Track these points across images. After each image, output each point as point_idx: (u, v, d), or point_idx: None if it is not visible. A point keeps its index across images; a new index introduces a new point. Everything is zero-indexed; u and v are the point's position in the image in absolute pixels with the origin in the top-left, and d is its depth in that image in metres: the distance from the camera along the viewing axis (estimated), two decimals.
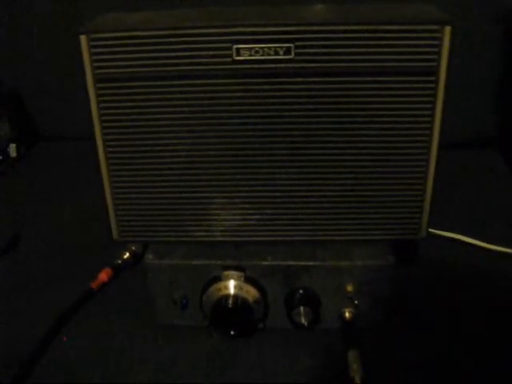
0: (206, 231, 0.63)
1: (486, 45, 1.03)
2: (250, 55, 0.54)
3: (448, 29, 0.53)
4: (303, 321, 0.61)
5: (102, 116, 0.58)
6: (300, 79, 0.55)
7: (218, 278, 0.61)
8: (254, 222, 0.62)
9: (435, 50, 0.53)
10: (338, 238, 0.62)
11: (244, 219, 0.62)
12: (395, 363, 0.61)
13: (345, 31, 0.53)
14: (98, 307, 0.70)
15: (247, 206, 0.61)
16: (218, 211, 0.62)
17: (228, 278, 0.61)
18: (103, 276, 0.73)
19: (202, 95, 0.56)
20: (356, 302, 0.62)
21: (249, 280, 0.61)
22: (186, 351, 0.63)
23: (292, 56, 0.54)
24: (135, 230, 0.64)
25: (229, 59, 0.54)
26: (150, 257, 0.63)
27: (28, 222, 0.89)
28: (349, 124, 0.57)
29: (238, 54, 0.54)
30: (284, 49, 0.54)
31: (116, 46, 0.54)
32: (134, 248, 0.76)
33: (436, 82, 0.54)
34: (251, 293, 0.61)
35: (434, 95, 0.55)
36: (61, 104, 1.13)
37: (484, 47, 1.03)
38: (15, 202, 0.96)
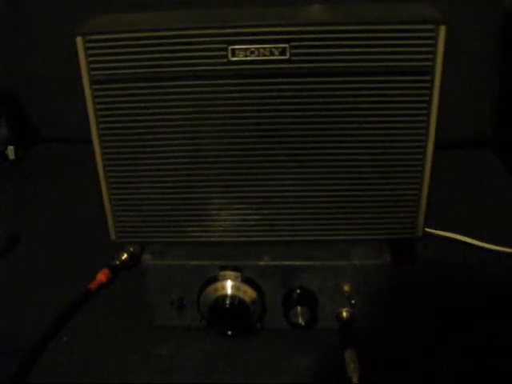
0: (204, 231, 0.63)
1: (484, 45, 1.03)
2: (246, 56, 0.54)
3: (443, 28, 0.53)
4: (300, 321, 0.61)
5: (99, 117, 0.58)
6: (295, 79, 0.55)
7: (216, 279, 0.61)
8: (251, 223, 0.62)
9: (430, 49, 0.54)
10: (334, 237, 0.62)
11: (241, 219, 0.62)
12: (393, 363, 0.61)
13: (340, 31, 0.53)
14: (96, 308, 0.70)
15: (244, 206, 0.61)
16: (215, 212, 0.62)
17: (225, 279, 0.61)
18: (101, 277, 0.73)
19: (198, 96, 0.56)
20: (353, 301, 0.62)
21: (246, 280, 0.61)
22: (184, 351, 0.63)
23: (287, 56, 0.54)
24: (133, 231, 0.64)
25: (224, 60, 0.54)
26: (147, 257, 0.63)
27: (27, 223, 0.89)
28: (345, 124, 0.57)
29: (234, 55, 0.54)
30: (279, 49, 0.54)
31: (112, 47, 0.54)
32: (131, 249, 0.76)
33: (431, 81, 0.55)
34: (248, 293, 0.61)
35: (429, 95, 0.55)
36: (59, 106, 1.13)
37: (482, 47, 1.03)
38: (14, 203, 0.96)
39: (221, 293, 0.61)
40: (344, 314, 0.62)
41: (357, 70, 0.54)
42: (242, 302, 0.61)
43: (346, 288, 0.61)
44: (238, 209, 0.61)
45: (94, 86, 0.56)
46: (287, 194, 0.60)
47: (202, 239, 0.63)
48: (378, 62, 0.54)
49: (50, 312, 0.68)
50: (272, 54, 0.54)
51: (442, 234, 0.78)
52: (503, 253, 0.76)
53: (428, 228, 0.71)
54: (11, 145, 1.11)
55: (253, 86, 0.55)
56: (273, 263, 0.61)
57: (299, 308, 0.61)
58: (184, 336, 0.65)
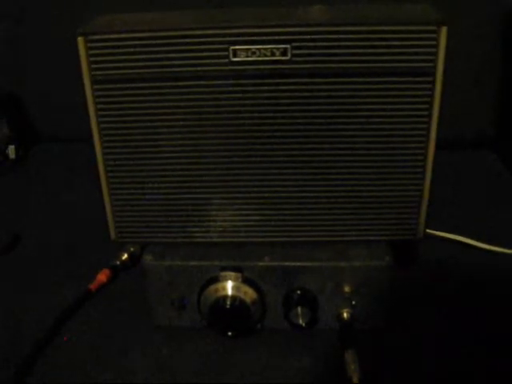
0: (204, 232, 0.63)
1: (484, 45, 1.03)
2: (247, 56, 0.54)
3: (444, 29, 0.53)
4: (301, 321, 0.61)
5: (100, 117, 0.58)
6: (297, 80, 0.55)
7: (216, 279, 0.61)
8: (251, 223, 0.62)
9: (432, 50, 0.53)
10: (335, 238, 0.62)
11: (242, 220, 0.62)
12: (393, 363, 0.61)
13: (341, 32, 0.53)
14: (96, 308, 0.70)
15: (245, 206, 0.61)
16: (215, 212, 0.62)
17: (226, 279, 0.61)
18: (102, 277, 0.73)
19: (199, 96, 0.56)
20: (353, 302, 0.62)
21: (246, 281, 0.61)
22: (184, 352, 0.63)
23: (289, 57, 0.54)
24: (133, 231, 0.64)
25: (225, 60, 0.54)
26: (148, 258, 0.63)
27: (27, 223, 0.89)
28: (346, 125, 0.57)
29: (235, 55, 0.54)
30: (281, 50, 0.54)
31: (113, 47, 0.54)
32: (132, 249, 0.76)
33: (432, 82, 0.55)
34: (249, 293, 0.61)
35: (431, 95, 0.55)
36: (60, 105, 1.12)
37: (482, 47, 1.03)
38: (14, 203, 0.96)
39: (221, 293, 0.61)
40: (344, 314, 0.62)
41: (358, 70, 0.54)
42: (242, 302, 0.61)
43: (347, 289, 0.61)
44: (239, 209, 0.61)
45: (95, 86, 0.56)
46: (288, 194, 0.60)
47: (202, 239, 0.63)
48: (379, 62, 0.54)
49: (50, 312, 0.68)
50: (273, 54, 0.54)
51: (442, 235, 0.78)
52: (503, 253, 0.76)
53: (429, 229, 0.71)
54: (12, 144, 1.11)
55: (254, 87, 0.55)
56: (273, 264, 0.61)
57: (300, 309, 0.61)
58: (184, 336, 0.65)
